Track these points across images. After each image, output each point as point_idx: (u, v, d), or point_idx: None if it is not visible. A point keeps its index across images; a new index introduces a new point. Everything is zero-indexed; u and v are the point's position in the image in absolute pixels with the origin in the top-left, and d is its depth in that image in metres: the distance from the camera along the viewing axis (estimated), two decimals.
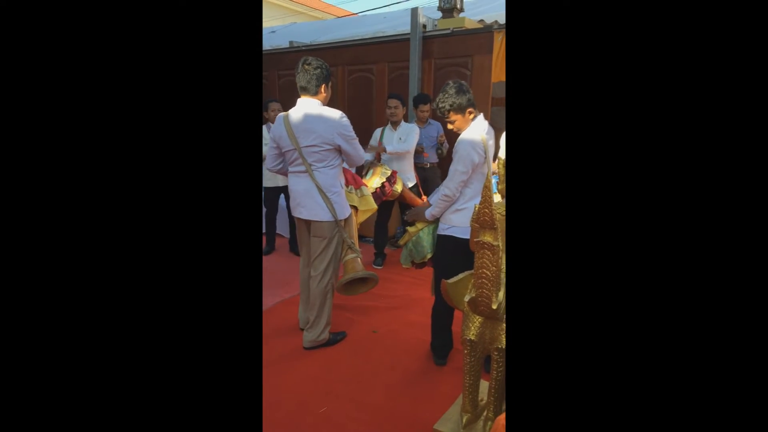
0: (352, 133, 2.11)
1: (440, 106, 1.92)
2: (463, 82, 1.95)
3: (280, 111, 3.49)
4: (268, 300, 2.90)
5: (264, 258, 3.71)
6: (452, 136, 3.50)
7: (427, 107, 3.46)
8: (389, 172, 3.10)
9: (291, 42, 4.70)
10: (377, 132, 3.43)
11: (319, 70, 2.05)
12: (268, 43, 4.99)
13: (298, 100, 2.11)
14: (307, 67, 2.04)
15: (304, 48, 4.56)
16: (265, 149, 3.44)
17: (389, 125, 3.38)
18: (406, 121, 3.47)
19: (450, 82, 1.94)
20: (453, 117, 1.93)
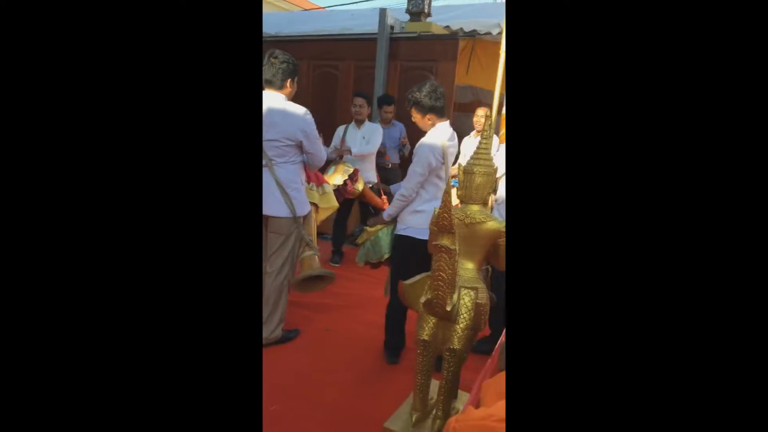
0: (315, 132, 2.11)
1: (408, 96, 1.98)
2: (441, 89, 1.97)
3: None
4: None
5: None
6: (414, 138, 3.56)
7: (391, 108, 3.49)
8: (351, 170, 3.10)
9: None
10: (340, 129, 3.42)
11: (285, 64, 2.03)
12: None
13: (264, 93, 2.07)
14: (273, 60, 2.02)
15: (269, 39, 4.46)
16: None
17: (353, 123, 3.38)
18: (370, 120, 3.48)
19: (432, 82, 1.98)
20: (413, 113, 2.00)
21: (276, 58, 2.02)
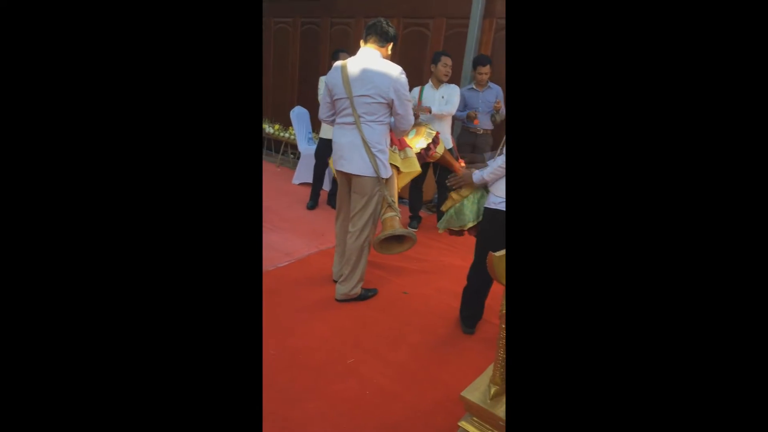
0: (408, 93, 2.06)
1: None
2: None
3: None
4: (303, 249, 2.96)
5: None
6: None
7: (486, 69, 3.27)
8: (434, 133, 3.01)
9: None
10: (415, 91, 3.27)
11: (392, 29, 2.07)
12: None
13: (360, 49, 2.06)
14: (382, 21, 2.07)
15: None
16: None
17: (429, 84, 3.24)
18: (457, 83, 3.33)
19: None
20: None
21: (384, 20, 2.06)
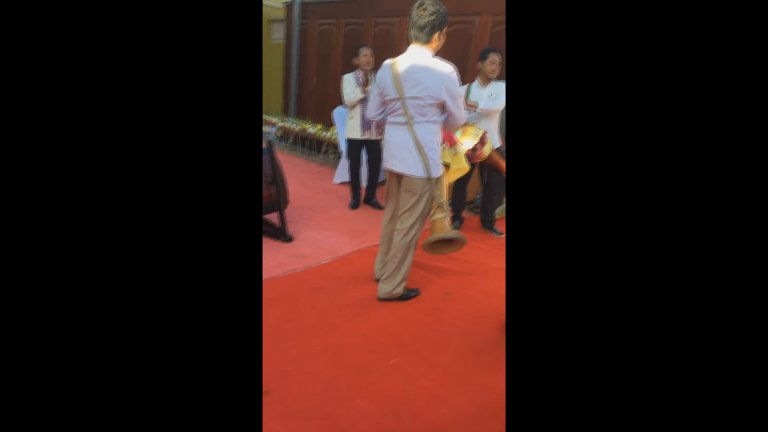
0: (459, 91, 2.00)
1: None
2: None
3: (371, 58, 3.40)
4: (346, 247, 2.97)
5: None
6: None
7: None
8: (481, 133, 2.95)
9: None
10: (462, 89, 3.20)
11: (434, 16, 1.90)
12: None
13: (409, 47, 2.02)
14: (421, 11, 1.91)
15: None
16: (349, 97, 3.39)
17: (476, 82, 3.15)
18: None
19: None
20: None
21: (424, 9, 1.90)
